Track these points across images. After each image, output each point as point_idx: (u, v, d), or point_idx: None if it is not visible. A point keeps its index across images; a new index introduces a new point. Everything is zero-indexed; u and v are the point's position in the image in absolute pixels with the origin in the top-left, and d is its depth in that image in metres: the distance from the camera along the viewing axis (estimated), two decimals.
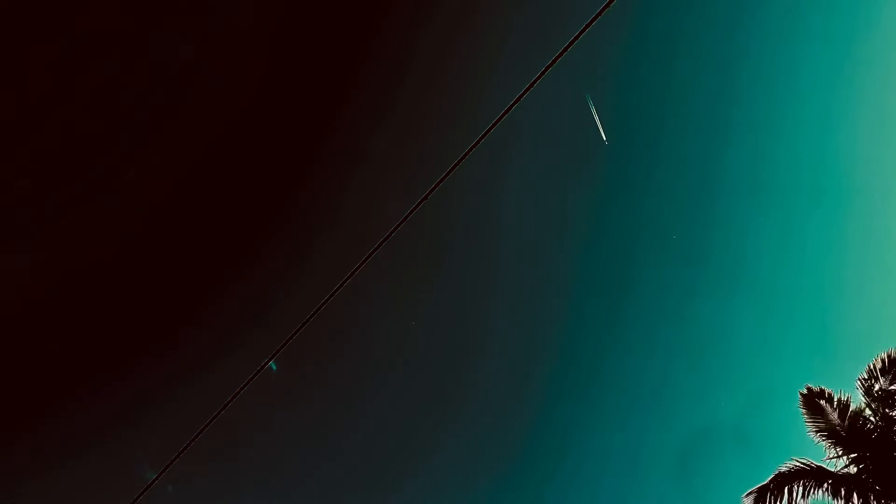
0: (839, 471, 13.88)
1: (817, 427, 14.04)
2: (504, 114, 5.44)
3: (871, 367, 13.88)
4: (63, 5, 17.22)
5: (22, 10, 16.59)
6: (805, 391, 14.28)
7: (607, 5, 5.00)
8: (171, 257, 24.79)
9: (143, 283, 24.72)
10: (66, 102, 19.93)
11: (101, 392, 25.58)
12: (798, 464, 14.10)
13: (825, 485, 13.54)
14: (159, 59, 20.58)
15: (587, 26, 5.11)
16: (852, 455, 13.83)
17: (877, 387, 13.68)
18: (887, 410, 13.53)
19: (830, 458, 13.97)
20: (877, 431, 13.58)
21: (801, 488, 13.67)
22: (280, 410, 29.22)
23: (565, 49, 5.20)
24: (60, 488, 25.51)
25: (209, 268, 25.81)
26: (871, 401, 13.77)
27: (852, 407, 13.96)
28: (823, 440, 14.13)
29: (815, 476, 13.78)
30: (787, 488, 13.81)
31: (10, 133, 18.96)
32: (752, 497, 14.15)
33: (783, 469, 14.13)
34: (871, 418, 13.80)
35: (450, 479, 31.31)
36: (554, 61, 5.25)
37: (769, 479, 14.14)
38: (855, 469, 13.73)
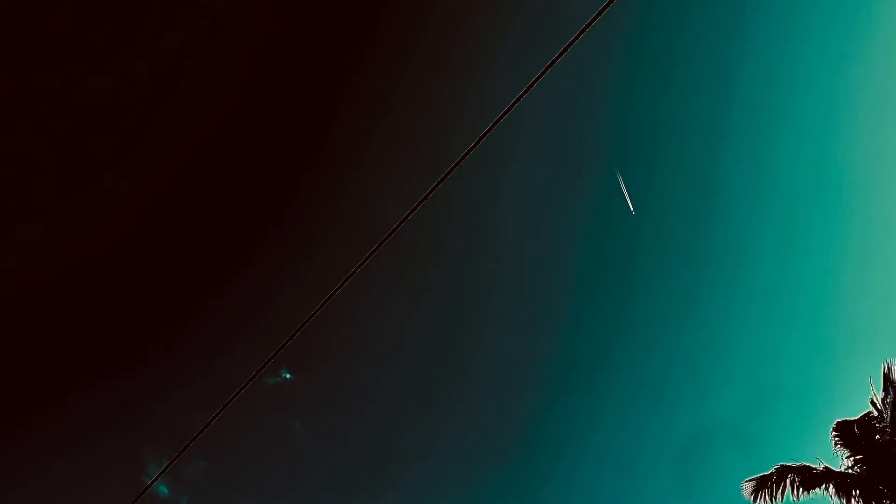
0: (844, 471, 13.87)
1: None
2: (504, 113, 5.44)
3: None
4: (59, 7, 17.18)
5: (9, 10, 16.56)
6: None
7: (607, 5, 4.99)
8: (173, 257, 24.76)
9: (143, 284, 24.70)
10: (63, 101, 19.90)
11: (102, 393, 25.56)
12: (801, 464, 14.11)
13: (829, 484, 13.55)
14: (156, 58, 20.55)
15: (587, 26, 5.10)
16: (858, 457, 13.84)
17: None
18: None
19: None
20: (884, 434, 13.56)
21: (800, 482, 13.68)
22: (280, 411, 29.22)
23: (565, 49, 5.19)
24: (62, 489, 25.50)
25: (208, 269, 25.79)
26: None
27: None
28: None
29: (817, 474, 13.78)
30: (788, 478, 13.82)
31: (6, 136, 18.94)
32: (751, 484, 14.18)
33: (786, 464, 14.17)
34: (879, 422, 13.77)
35: (449, 477, 31.31)
36: (554, 61, 5.24)
37: (772, 469, 14.15)
38: (859, 470, 13.72)
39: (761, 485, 13.96)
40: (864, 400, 14.34)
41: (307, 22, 22.19)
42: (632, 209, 24.94)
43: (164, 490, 25.86)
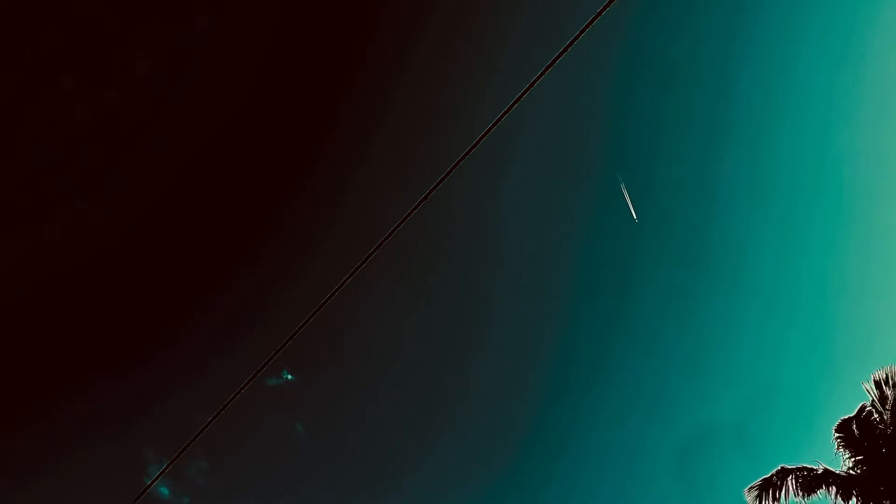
0: (845, 471, 13.86)
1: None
2: (504, 114, 5.43)
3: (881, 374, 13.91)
4: (56, 4, 17.19)
5: (16, 8, 16.57)
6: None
7: (607, 5, 4.99)
8: (174, 257, 24.76)
9: (145, 284, 24.69)
10: (62, 99, 19.91)
11: (104, 394, 25.56)
12: (800, 465, 14.11)
13: (830, 486, 13.52)
14: (156, 58, 20.56)
15: (587, 26, 5.10)
16: (858, 457, 13.83)
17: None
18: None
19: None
20: (885, 434, 13.54)
21: (800, 484, 13.67)
22: (282, 411, 29.21)
23: (565, 49, 5.19)
24: (63, 490, 25.48)
25: (209, 269, 25.79)
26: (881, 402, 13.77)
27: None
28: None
29: (818, 475, 13.77)
30: (789, 479, 13.80)
31: (8, 131, 18.95)
32: (754, 491, 14.12)
33: (786, 466, 14.15)
34: (880, 421, 13.75)
35: (449, 478, 31.30)
36: (554, 61, 5.24)
37: (772, 472, 14.12)
38: (859, 471, 13.71)
39: (764, 489, 13.91)
40: (864, 400, 14.34)
41: (308, 23, 22.20)
42: (635, 218, 24.91)
43: (165, 491, 25.86)
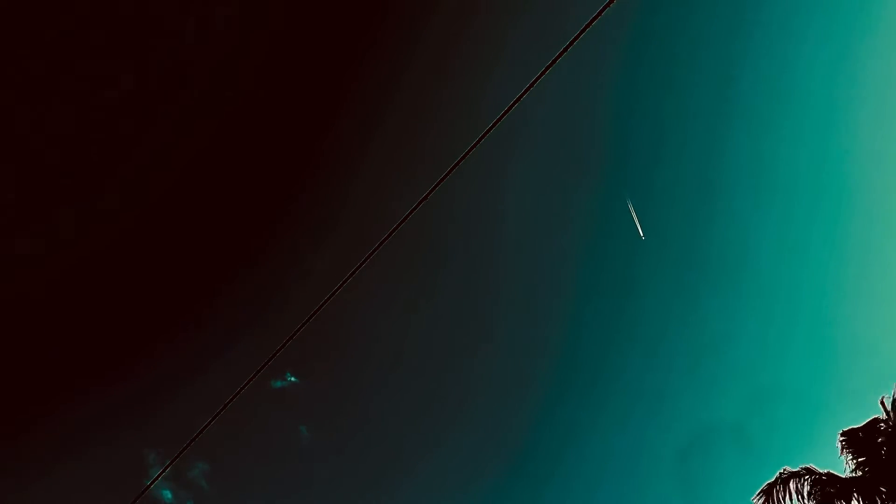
0: (848, 475, 13.85)
1: None
2: (504, 113, 5.42)
3: None
4: (55, 5, 17.20)
5: (18, 11, 16.59)
6: None
7: (607, 5, 4.98)
8: (176, 258, 24.77)
9: (147, 284, 24.70)
10: (62, 100, 19.93)
11: (103, 394, 25.56)
12: (803, 467, 14.10)
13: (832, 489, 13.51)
14: (159, 58, 20.58)
15: (587, 26, 5.09)
16: (861, 458, 13.83)
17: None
18: None
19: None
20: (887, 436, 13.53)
21: (803, 486, 13.67)
22: (284, 412, 29.22)
23: (565, 49, 5.17)
24: (62, 491, 25.48)
25: (211, 270, 25.79)
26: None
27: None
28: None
29: (820, 478, 13.75)
30: (791, 483, 13.80)
31: (7, 133, 18.96)
32: (762, 496, 14.08)
33: (789, 468, 14.15)
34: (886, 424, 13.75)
35: (450, 480, 31.30)
36: (554, 61, 5.23)
37: (775, 476, 14.10)
38: (861, 473, 13.70)
39: (768, 493, 13.89)
40: (866, 400, 14.31)
41: (309, 21, 22.21)
42: (642, 236, 24.90)
43: (167, 494, 25.79)
